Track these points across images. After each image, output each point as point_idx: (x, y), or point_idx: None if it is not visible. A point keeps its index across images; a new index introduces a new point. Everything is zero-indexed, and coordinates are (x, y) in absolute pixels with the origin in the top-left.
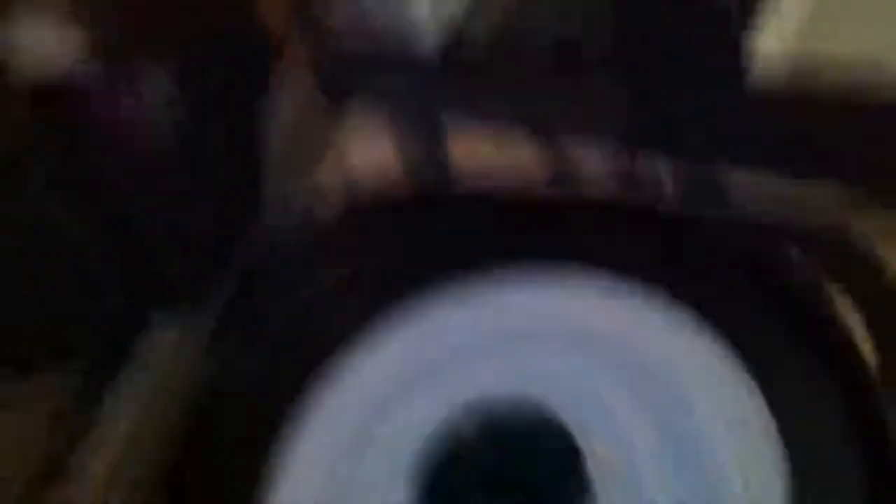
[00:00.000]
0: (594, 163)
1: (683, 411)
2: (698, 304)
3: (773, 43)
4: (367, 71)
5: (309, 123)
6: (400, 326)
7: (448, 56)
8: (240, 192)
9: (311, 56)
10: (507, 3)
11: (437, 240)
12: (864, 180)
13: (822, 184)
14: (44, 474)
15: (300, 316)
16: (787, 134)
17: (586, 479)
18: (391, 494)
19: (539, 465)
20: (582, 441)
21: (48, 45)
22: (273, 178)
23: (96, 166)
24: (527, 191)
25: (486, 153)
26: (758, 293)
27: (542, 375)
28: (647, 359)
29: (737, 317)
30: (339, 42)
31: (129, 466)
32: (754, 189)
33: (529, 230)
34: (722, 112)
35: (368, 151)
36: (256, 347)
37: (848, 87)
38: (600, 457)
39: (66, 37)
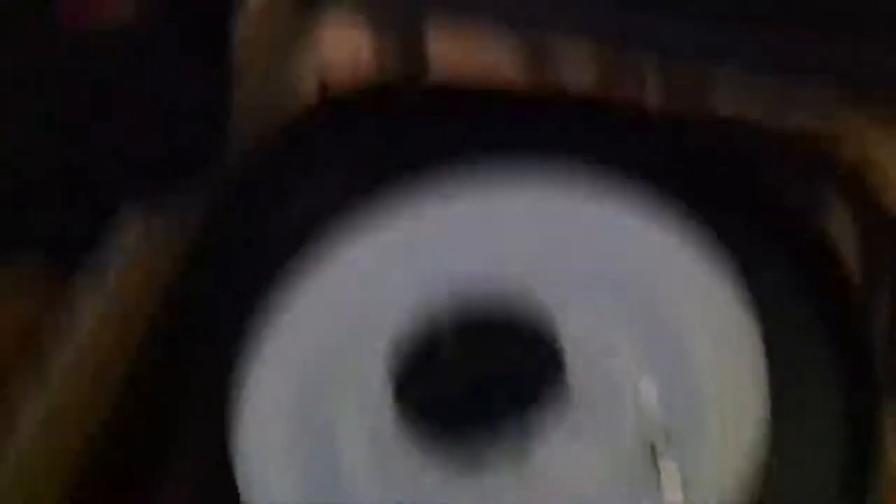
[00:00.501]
0: (576, 60)
1: (663, 311)
2: (678, 206)
3: None
4: None
5: (280, 12)
6: (376, 221)
7: None
8: (207, 83)
9: None
10: None
11: (414, 134)
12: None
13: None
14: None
15: (275, 212)
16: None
17: (565, 377)
18: (368, 391)
19: (518, 363)
20: (562, 339)
21: None
22: (242, 69)
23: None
24: (507, 85)
25: (465, 48)
26: (739, 197)
27: (521, 273)
28: (627, 257)
29: (717, 220)
30: None
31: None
32: (740, 89)
33: (508, 125)
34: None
35: (343, 43)
36: (230, 242)
37: None
38: (580, 356)
39: None
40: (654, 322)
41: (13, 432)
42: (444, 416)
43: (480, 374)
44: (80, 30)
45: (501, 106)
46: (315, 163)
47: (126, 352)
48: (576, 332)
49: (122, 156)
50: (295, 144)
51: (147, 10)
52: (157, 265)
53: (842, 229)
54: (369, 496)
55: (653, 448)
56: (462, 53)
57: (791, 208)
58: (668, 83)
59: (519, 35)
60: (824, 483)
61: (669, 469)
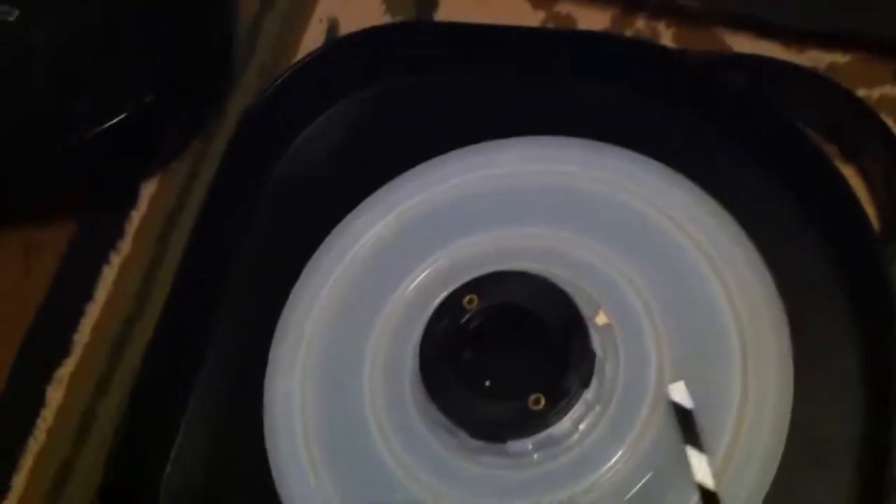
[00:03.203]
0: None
1: (678, 268)
2: (690, 157)
3: None
4: None
5: None
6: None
7: None
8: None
9: None
10: None
11: (426, 76)
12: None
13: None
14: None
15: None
16: None
17: (590, 351)
18: (393, 368)
19: (542, 333)
20: (586, 312)
21: None
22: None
23: None
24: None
25: None
26: (750, 143)
27: (546, 246)
28: (643, 219)
29: (730, 171)
30: None
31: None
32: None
33: (523, 63)
34: None
35: None
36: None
37: None
38: (604, 326)
39: None
40: (679, 287)
41: None
42: (469, 390)
43: (505, 347)
44: None
45: (515, 44)
46: (325, 105)
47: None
48: (600, 300)
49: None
50: (305, 87)
51: None
52: (171, 228)
53: (866, 173)
54: (397, 475)
55: (681, 423)
56: None
57: (810, 152)
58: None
59: None
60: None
61: (697, 448)
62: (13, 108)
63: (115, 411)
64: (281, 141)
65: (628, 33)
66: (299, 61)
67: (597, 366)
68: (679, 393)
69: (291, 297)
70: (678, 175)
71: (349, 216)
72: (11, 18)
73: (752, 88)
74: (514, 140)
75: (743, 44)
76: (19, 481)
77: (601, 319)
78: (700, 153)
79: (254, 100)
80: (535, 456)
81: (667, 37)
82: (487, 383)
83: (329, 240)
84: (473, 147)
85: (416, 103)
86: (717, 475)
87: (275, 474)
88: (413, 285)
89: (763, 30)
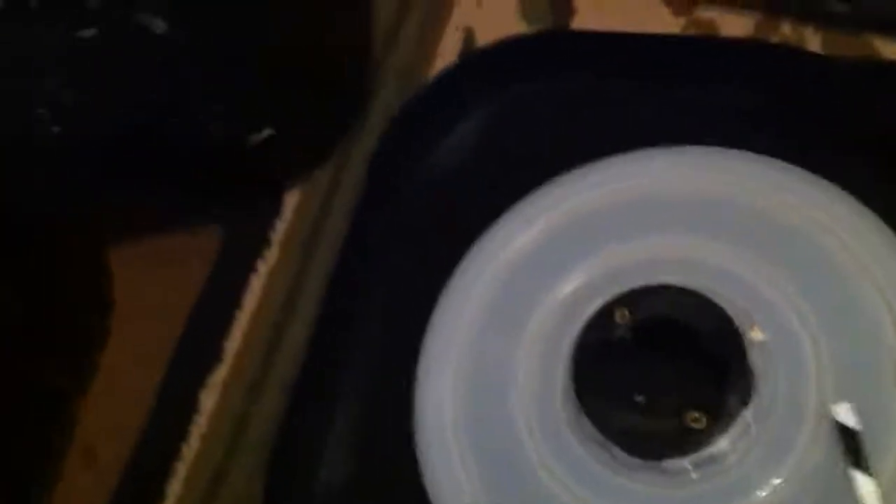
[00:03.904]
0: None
1: (836, 283)
2: (848, 170)
3: None
4: None
5: None
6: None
7: None
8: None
9: None
10: None
11: (566, 84)
12: None
13: None
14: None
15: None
16: None
17: (749, 368)
18: (545, 380)
19: (699, 355)
20: (743, 329)
21: None
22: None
23: None
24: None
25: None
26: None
27: (698, 259)
28: (801, 233)
29: (890, 187)
30: None
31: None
32: None
33: (662, 71)
34: None
35: None
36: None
37: None
38: (760, 343)
39: None
40: (838, 304)
41: None
42: (624, 405)
43: (661, 362)
44: None
45: (656, 51)
46: (462, 118)
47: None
48: (755, 316)
49: (285, 126)
50: (443, 97)
51: None
52: (316, 236)
53: None
54: (546, 482)
55: (846, 450)
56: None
57: None
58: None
59: None
60: None
61: (865, 478)
62: (158, 110)
63: (267, 417)
64: (423, 149)
65: (774, 39)
66: (437, 73)
67: (755, 383)
68: (844, 413)
69: (440, 303)
70: (836, 188)
71: (498, 223)
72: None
73: None
74: (664, 150)
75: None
76: (175, 488)
77: (756, 335)
78: (857, 167)
79: (395, 110)
80: (694, 475)
81: (814, 43)
82: (642, 399)
83: (477, 248)
84: (623, 156)
85: (556, 112)
86: (885, 497)
87: (426, 480)
88: (563, 295)
89: None
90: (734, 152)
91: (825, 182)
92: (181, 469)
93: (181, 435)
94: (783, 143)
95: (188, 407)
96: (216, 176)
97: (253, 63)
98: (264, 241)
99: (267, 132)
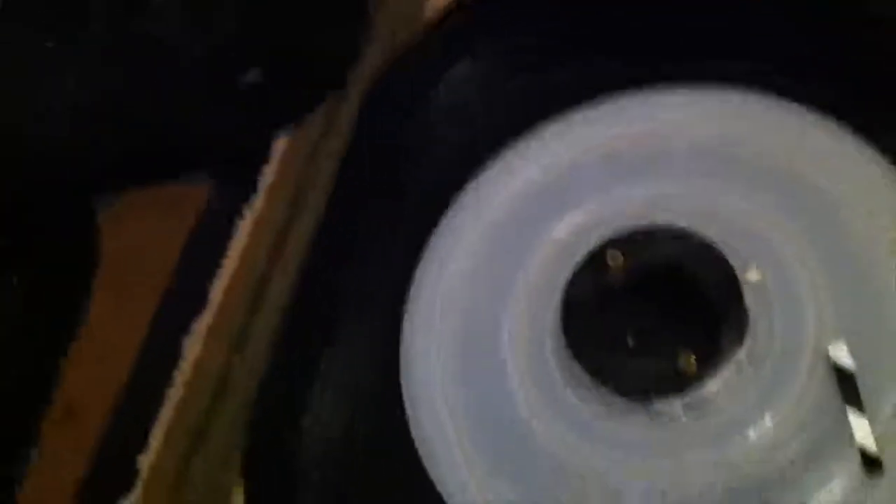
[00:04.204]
0: None
1: (841, 234)
2: (853, 118)
3: None
4: None
5: None
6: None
7: None
8: None
9: None
10: None
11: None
12: None
13: None
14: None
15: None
16: None
17: (744, 309)
18: (536, 320)
19: (692, 297)
20: (739, 270)
21: None
22: None
23: None
24: None
25: None
26: None
27: (695, 201)
28: (801, 178)
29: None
30: None
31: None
32: None
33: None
34: None
35: None
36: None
37: None
38: (757, 283)
39: None
40: (837, 245)
41: None
42: (615, 348)
43: (653, 305)
44: None
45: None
46: (457, 63)
47: (282, 264)
48: (752, 257)
49: (277, 73)
50: (441, 39)
51: None
52: (304, 183)
53: None
54: (538, 430)
55: (841, 391)
56: None
57: None
58: None
59: None
60: None
61: (859, 414)
62: (159, 63)
63: (252, 366)
64: (416, 95)
65: None
66: (433, 16)
67: (750, 324)
68: (839, 353)
69: (428, 251)
70: (835, 126)
71: (491, 166)
72: None
73: None
74: (668, 91)
75: None
76: (159, 435)
77: (753, 276)
78: (860, 102)
79: (388, 56)
80: (685, 417)
81: None
82: (633, 341)
83: (469, 192)
84: (618, 98)
85: (555, 53)
86: (880, 438)
87: (414, 430)
88: (554, 240)
89: None
90: (731, 93)
91: (824, 120)
92: (165, 416)
93: (166, 382)
94: (781, 80)
95: (172, 354)
96: (205, 122)
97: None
98: (252, 188)
99: (254, 74)
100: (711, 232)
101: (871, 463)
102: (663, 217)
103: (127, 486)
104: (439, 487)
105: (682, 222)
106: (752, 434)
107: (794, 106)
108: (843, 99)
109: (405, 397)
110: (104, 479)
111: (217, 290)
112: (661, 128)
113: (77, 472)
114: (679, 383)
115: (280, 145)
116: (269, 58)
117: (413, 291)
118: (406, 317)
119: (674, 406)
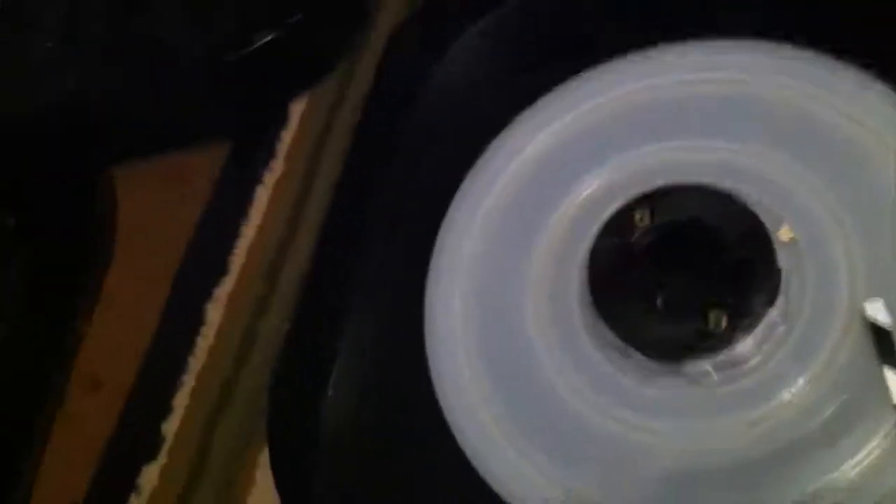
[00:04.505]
0: None
1: (873, 187)
2: (884, 59)
3: None
4: None
5: None
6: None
7: None
8: None
9: None
10: None
11: None
12: None
13: None
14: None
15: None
16: None
17: (777, 268)
18: (562, 288)
19: (723, 256)
20: (771, 228)
21: None
22: None
23: None
24: None
25: None
26: None
27: (722, 158)
28: (831, 128)
29: None
30: None
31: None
32: None
33: None
34: None
35: None
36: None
37: None
38: (790, 242)
39: None
40: (871, 200)
41: None
42: (643, 309)
43: (682, 265)
44: None
45: None
46: (473, 23)
47: (299, 233)
48: (785, 214)
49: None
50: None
51: None
52: (322, 146)
53: None
54: (568, 398)
55: (877, 348)
56: None
57: None
58: None
59: None
60: None
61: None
62: (162, 25)
63: (274, 332)
64: (433, 55)
65: None
66: None
67: (782, 283)
68: (876, 310)
69: (451, 211)
70: (871, 79)
71: (512, 125)
72: None
73: None
74: (688, 45)
75: None
76: (182, 401)
77: (786, 234)
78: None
79: (404, 17)
80: (716, 378)
81: None
82: (661, 301)
83: (490, 150)
84: (645, 53)
85: (572, 12)
86: None
87: (438, 394)
88: (580, 198)
89: None
90: (760, 45)
91: (860, 74)
92: (189, 382)
93: (188, 348)
94: (813, 33)
95: (195, 320)
96: (222, 86)
97: None
98: (270, 153)
99: (269, 35)
100: (743, 190)
101: None
102: (692, 176)
103: (152, 453)
104: (469, 454)
105: (712, 181)
106: (785, 394)
107: (819, 55)
108: (867, 46)
109: (429, 357)
110: (129, 445)
111: (238, 255)
112: (685, 83)
113: (102, 439)
114: (710, 344)
115: (297, 108)
116: (284, 19)
117: (435, 253)
118: (429, 278)
119: (705, 367)
